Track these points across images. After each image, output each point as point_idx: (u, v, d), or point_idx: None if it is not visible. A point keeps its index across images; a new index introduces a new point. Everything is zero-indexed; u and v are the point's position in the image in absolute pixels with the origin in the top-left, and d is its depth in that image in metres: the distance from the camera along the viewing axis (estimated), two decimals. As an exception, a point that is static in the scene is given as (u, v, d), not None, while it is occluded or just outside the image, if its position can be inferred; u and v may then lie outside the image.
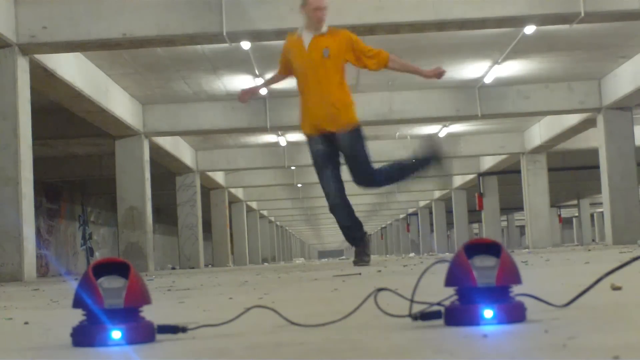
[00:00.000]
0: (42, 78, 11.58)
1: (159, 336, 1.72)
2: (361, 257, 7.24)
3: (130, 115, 15.79)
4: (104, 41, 10.52)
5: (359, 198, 37.89)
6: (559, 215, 49.14)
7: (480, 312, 1.62)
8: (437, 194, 37.82)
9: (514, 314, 1.65)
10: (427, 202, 41.54)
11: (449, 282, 1.68)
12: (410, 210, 48.07)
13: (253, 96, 7.57)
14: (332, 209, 7.12)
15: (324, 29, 6.91)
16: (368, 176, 6.94)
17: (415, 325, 1.71)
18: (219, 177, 26.00)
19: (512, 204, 39.21)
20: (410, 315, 1.75)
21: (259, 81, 15.04)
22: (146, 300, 1.68)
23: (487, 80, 16.18)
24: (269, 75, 14.54)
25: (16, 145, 10.00)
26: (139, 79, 14.87)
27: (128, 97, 15.81)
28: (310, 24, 6.90)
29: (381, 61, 6.95)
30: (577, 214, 54.32)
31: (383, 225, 68.08)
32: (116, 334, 1.62)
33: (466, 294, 1.66)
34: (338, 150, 7.04)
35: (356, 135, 6.95)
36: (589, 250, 11.27)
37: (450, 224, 37.43)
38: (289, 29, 10.39)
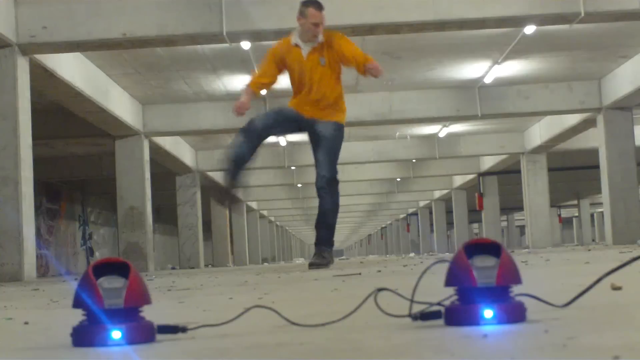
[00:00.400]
0: (42, 78, 11.57)
1: (159, 336, 1.72)
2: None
3: (130, 115, 15.79)
4: (103, 41, 10.51)
5: (360, 198, 37.89)
6: (559, 215, 49.14)
7: (480, 312, 1.62)
8: (437, 194, 37.81)
9: (514, 314, 1.64)
10: (427, 202, 41.53)
11: (449, 282, 1.68)
12: (410, 210, 48.06)
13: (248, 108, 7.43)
14: (246, 130, 7.02)
15: (319, 38, 7.00)
16: (332, 171, 6.99)
17: (415, 325, 1.71)
18: (219, 177, 25.99)
19: (512, 204, 39.22)
20: (410, 315, 1.75)
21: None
22: (146, 300, 1.68)
23: (487, 80, 16.17)
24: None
25: (16, 145, 10.00)
26: (139, 79, 14.87)
27: (128, 97, 15.80)
28: (305, 36, 7.00)
29: (359, 64, 6.88)
30: (577, 214, 54.31)
31: (383, 225, 68.05)
32: (116, 334, 1.62)
33: (466, 294, 1.65)
34: (292, 131, 7.16)
35: (338, 129, 7.08)
36: (589, 250, 11.27)
37: (450, 224, 37.42)
38: (289, 29, 10.42)
